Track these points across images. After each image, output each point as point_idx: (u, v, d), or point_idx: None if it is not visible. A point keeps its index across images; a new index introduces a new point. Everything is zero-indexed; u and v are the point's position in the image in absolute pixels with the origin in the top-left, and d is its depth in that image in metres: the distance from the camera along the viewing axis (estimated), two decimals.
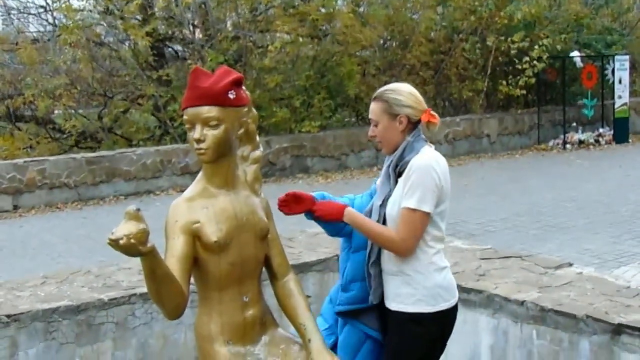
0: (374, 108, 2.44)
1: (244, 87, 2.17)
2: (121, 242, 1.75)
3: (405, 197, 2.33)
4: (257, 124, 2.24)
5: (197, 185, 2.16)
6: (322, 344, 2.16)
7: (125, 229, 1.76)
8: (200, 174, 2.19)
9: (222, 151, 2.10)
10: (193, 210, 2.09)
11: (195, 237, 2.08)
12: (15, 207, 9.29)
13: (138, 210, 1.80)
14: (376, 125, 2.43)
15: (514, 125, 13.60)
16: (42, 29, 12.91)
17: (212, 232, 2.08)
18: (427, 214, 2.33)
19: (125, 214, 1.79)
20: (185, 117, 2.12)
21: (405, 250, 2.34)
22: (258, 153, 2.25)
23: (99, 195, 9.78)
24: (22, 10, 12.82)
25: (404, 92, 2.44)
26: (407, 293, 2.38)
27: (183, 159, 10.33)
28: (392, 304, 2.41)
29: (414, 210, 2.30)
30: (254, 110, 2.23)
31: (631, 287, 3.38)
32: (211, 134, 2.06)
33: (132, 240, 1.75)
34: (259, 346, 2.17)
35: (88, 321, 3.43)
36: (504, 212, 8.06)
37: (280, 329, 2.27)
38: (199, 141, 2.07)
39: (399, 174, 2.39)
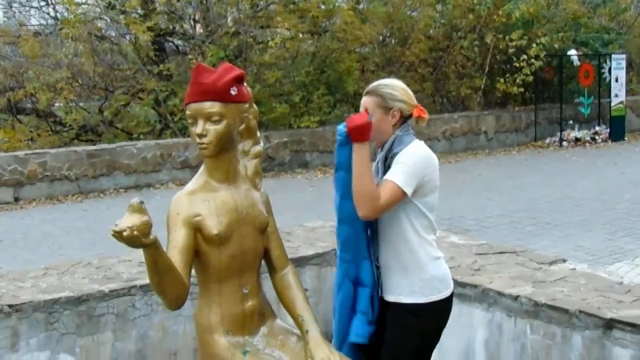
0: (368, 102, 2.45)
1: (245, 84, 2.22)
2: (125, 233, 1.79)
3: (393, 172, 2.35)
4: (257, 120, 2.28)
5: (198, 179, 2.21)
6: (319, 335, 2.20)
7: (128, 221, 1.81)
8: (201, 168, 2.24)
9: (224, 146, 2.14)
10: (194, 203, 2.13)
11: (196, 229, 2.12)
12: (16, 199, 9.34)
13: (142, 202, 1.84)
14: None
15: (511, 123, 13.66)
16: (43, 22, 12.90)
17: (213, 225, 2.12)
18: (405, 195, 2.35)
19: (129, 207, 1.84)
20: (187, 112, 2.16)
21: (373, 212, 2.32)
22: (259, 148, 2.30)
23: (99, 188, 9.83)
24: (24, 3, 12.83)
25: (397, 87, 2.48)
26: (404, 285, 2.42)
27: (183, 153, 10.39)
28: (390, 296, 2.45)
29: (399, 186, 2.33)
30: (254, 106, 2.27)
31: (624, 283, 3.43)
32: (213, 129, 2.11)
33: (135, 232, 1.79)
34: (257, 337, 2.21)
35: (89, 312, 3.45)
36: (500, 208, 8.11)
37: (279, 320, 2.31)
38: (201, 136, 2.11)
39: (388, 167, 2.42)
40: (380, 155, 2.48)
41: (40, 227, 7.94)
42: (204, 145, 2.12)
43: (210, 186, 2.18)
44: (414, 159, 2.37)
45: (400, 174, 2.34)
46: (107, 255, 4.21)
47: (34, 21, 13.24)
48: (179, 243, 2.08)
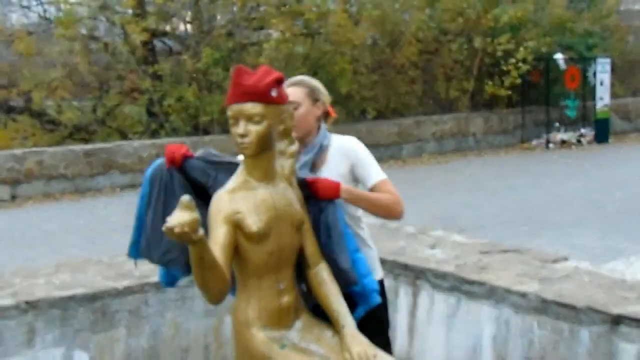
0: (296, 92, 2.55)
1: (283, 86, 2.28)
2: (176, 230, 1.84)
3: (373, 172, 2.53)
4: (293, 121, 2.34)
5: (238, 177, 2.26)
6: (355, 330, 2.25)
7: (179, 217, 1.85)
8: (240, 167, 2.29)
9: (264, 146, 2.20)
10: (235, 201, 2.18)
11: (236, 226, 2.17)
12: (13, 197, 9.41)
13: (191, 200, 1.90)
14: (296, 109, 2.52)
15: (499, 125, 13.86)
16: (31, 21, 12.83)
17: (253, 222, 2.18)
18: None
19: (179, 203, 1.88)
20: (229, 112, 2.20)
21: (402, 209, 2.53)
22: (294, 148, 2.34)
23: (95, 186, 9.90)
24: (15, 3, 12.74)
25: (318, 82, 2.67)
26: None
27: None
28: None
29: (385, 179, 2.53)
30: (290, 107, 2.34)
31: (626, 280, 3.53)
32: (254, 129, 2.16)
33: (186, 229, 1.84)
34: (293, 331, 2.26)
35: (103, 309, 3.47)
36: (493, 208, 8.24)
37: (312, 315, 2.37)
38: (242, 136, 2.16)
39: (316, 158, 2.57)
40: (307, 152, 2.58)
41: (38, 225, 7.96)
42: (245, 145, 2.17)
43: (250, 185, 2.23)
44: (366, 151, 2.58)
45: (376, 171, 2.55)
46: (117, 253, 4.23)
47: (23, 20, 13.16)
48: (221, 239, 2.13)
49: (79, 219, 8.21)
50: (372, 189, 2.53)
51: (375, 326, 2.54)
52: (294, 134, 2.35)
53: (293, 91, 2.53)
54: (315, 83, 2.63)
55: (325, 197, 2.35)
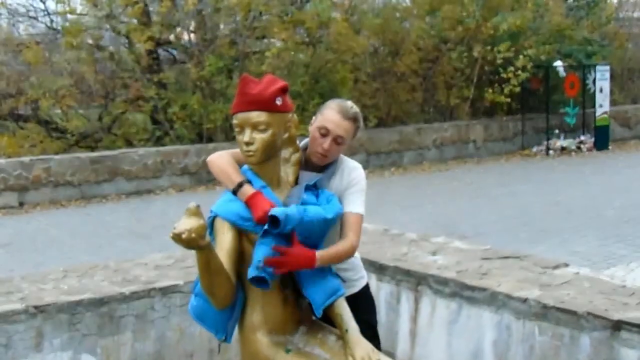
0: (350, 129, 2.42)
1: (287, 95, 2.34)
2: (183, 236, 1.89)
3: (354, 202, 2.40)
4: (297, 129, 2.40)
5: None
6: (359, 334, 2.29)
7: (187, 224, 1.91)
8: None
9: (269, 153, 2.25)
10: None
11: (241, 232, 2.22)
12: (21, 204, 9.53)
13: (198, 207, 1.95)
14: (341, 144, 2.42)
15: (499, 132, 13.92)
16: (37, 30, 12.96)
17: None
18: None
19: (186, 210, 1.94)
20: (235, 121, 2.25)
21: (355, 251, 2.43)
22: (298, 156, 2.40)
23: (101, 193, 10.00)
24: (23, 14, 12.85)
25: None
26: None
27: (182, 160, 10.57)
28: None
29: (362, 215, 2.41)
30: (295, 115, 2.40)
31: (627, 286, 3.57)
32: (260, 138, 2.21)
33: (193, 235, 1.90)
34: (297, 336, 2.30)
35: (110, 314, 3.51)
36: (493, 215, 8.27)
37: (316, 320, 2.41)
38: (248, 144, 2.21)
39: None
40: (329, 176, 2.47)
41: (46, 231, 8.03)
42: (251, 153, 2.22)
43: None
44: (363, 181, 2.48)
45: (360, 203, 2.42)
46: (124, 259, 4.28)
47: (31, 30, 13.28)
48: (226, 245, 2.18)
49: (85, 225, 8.28)
50: (345, 214, 2.38)
51: (368, 330, 2.55)
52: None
53: (347, 126, 2.40)
54: (361, 120, 2.49)
55: (298, 269, 2.21)
